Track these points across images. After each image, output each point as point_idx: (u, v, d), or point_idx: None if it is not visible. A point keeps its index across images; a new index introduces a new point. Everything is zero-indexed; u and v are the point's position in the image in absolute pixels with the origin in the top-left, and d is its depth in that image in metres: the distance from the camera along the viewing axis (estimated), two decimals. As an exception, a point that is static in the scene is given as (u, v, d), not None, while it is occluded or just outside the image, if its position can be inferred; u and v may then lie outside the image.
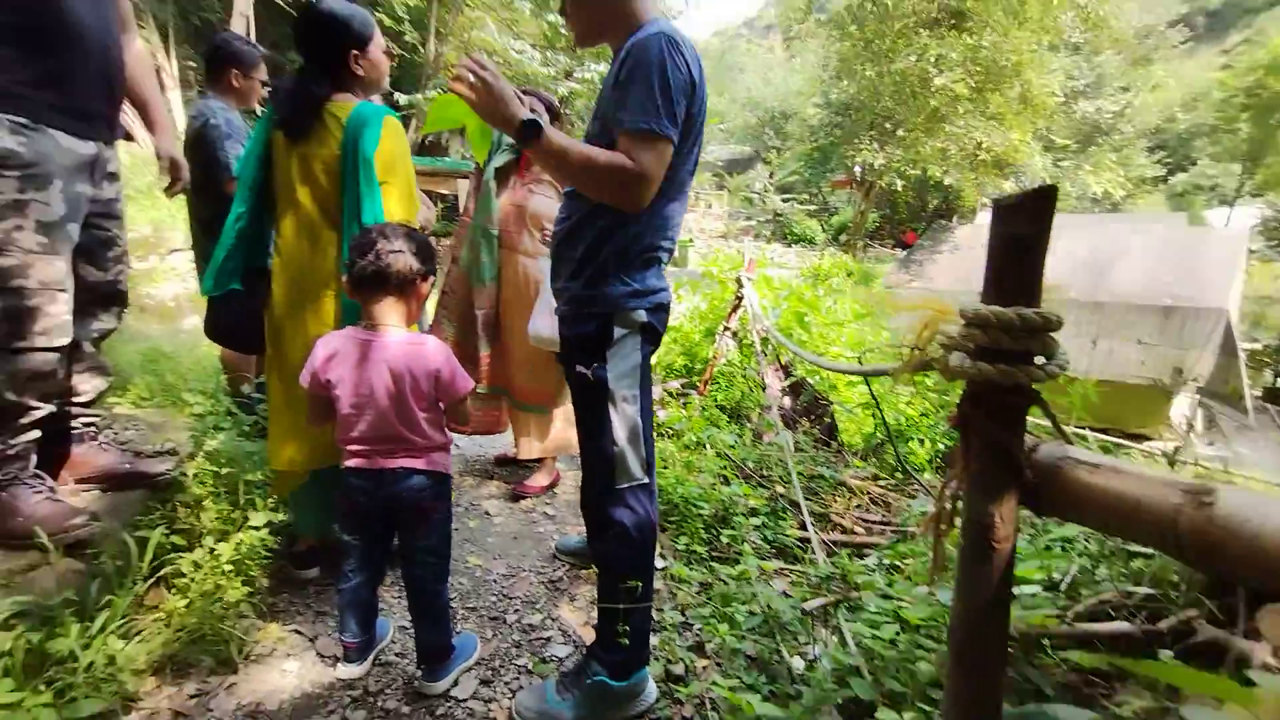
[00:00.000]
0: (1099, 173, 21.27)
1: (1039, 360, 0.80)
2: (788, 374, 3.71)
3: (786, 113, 26.81)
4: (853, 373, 1.56)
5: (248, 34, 8.85)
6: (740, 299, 3.44)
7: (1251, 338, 10.61)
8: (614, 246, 1.38)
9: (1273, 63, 18.35)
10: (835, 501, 2.65)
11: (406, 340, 1.49)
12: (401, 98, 11.77)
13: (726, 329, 3.50)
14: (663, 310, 1.48)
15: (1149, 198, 28.30)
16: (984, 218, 13.68)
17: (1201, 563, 0.65)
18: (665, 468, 2.53)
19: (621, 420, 1.43)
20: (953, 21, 12.16)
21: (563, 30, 10.45)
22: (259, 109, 2.65)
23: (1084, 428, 5.39)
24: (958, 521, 0.88)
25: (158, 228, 6.51)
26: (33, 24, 1.41)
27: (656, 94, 1.23)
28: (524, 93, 2.36)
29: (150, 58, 2.09)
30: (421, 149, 14.06)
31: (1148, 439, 6.67)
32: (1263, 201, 20.58)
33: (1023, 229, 0.78)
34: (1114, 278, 7.29)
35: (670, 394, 3.46)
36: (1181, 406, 6.74)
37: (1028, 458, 0.84)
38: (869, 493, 2.70)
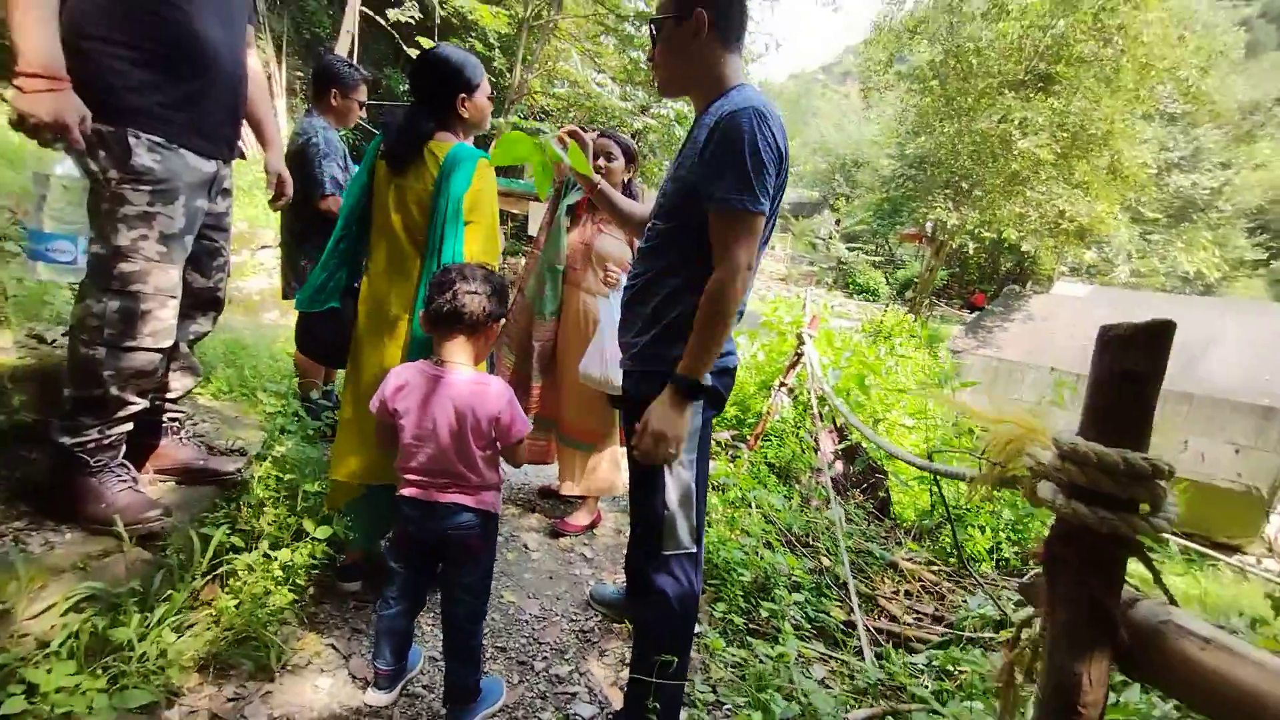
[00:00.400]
0: (1192, 251, 20.13)
1: (1144, 508, 0.74)
2: (843, 437, 3.60)
3: (859, 161, 26.66)
4: (920, 467, 1.49)
5: (351, 51, 9.51)
6: (800, 355, 3.38)
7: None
8: (684, 307, 1.38)
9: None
10: (884, 584, 2.52)
11: (473, 380, 1.53)
12: (489, 121, 12.31)
13: (783, 384, 3.44)
14: (728, 374, 1.47)
15: (1248, 282, 26.36)
16: (1061, 287, 13.03)
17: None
18: (709, 526, 2.48)
19: (675, 484, 1.41)
20: (1040, 85, 11.87)
21: (643, 65, 10.75)
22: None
23: (1169, 532, 4.98)
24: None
25: (251, 224, 6.97)
26: (173, 49, 1.53)
27: (749, 172, 1.25)
28: (603, 135, 2.44)
29: (263, 71, 2.26)
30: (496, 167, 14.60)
31: (1239, 550, 6.13)
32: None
33: (1136, 364, 0.73)
34: (1206, 368, 6.80)
35: (719, 445, 3.41)
36: (1279, 517, 6.17)
37: (1124, 615, 0.77)
38: (921, 579, 2.56)
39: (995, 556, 2.90)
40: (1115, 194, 11.67)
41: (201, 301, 1.86)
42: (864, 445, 3.57)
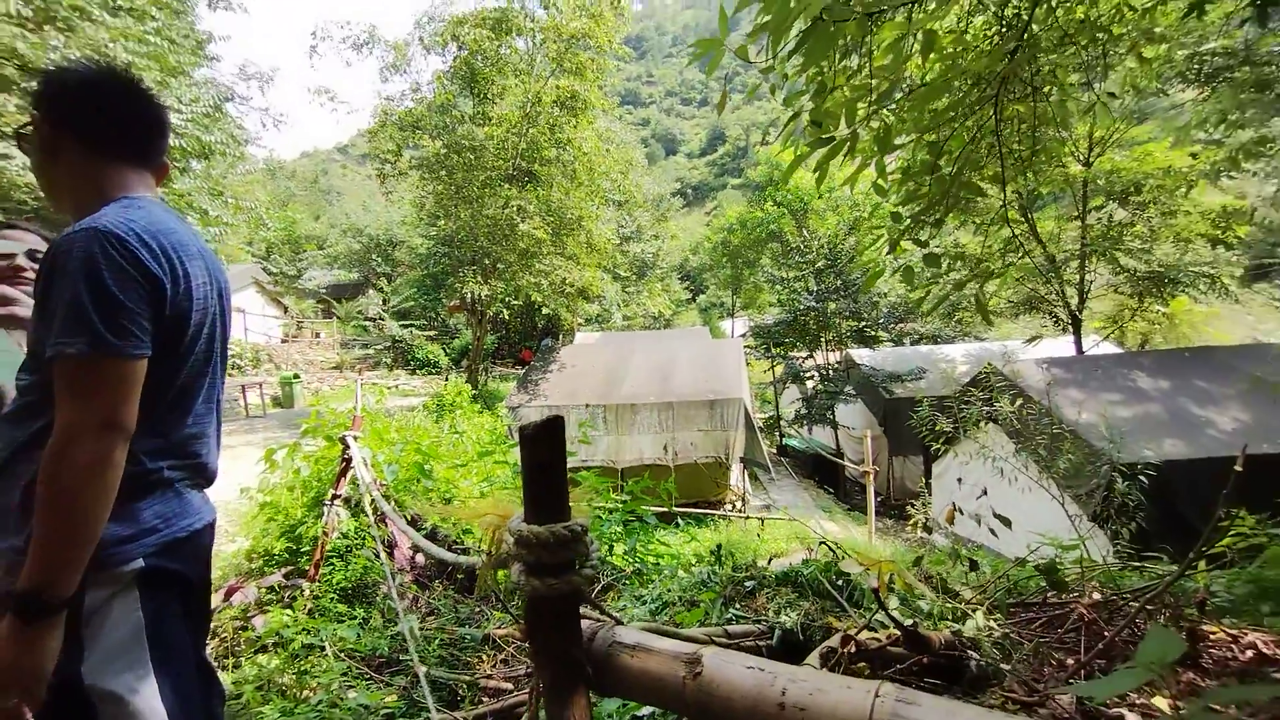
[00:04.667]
0: (653, 297, 27.78)
1: (578, 564, 0.94)
2: (418, 528, 3.49)
3: (393, 240, 27.07)
4: (451, 562, 1.56)
5: None
6: (348, 460, 3.14)
7: (759, 413, 14.95)
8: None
9: (729, 225, 27.71)
10: (483, 662, 2.54)
11: None
12: None
13: (336, 497, 3.12)
14: (187, 544, 1.18)
15: (687, 313, 38.42)
16: (580, 336, 16.20)
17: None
18: (267, 700, 2.02)
19: None
20: (527, 179, 14.51)
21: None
22: None
23: (681, 505, 6.66)
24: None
25: None
26: None
27: (89, 306, 1.01)
28: (7, 228, 1.74)
29: None
30: None
31: (723, 502, 8.60)
32: (746, 315, 30.08)
33: (544, 457, 0.91)
34: (675, 381, 9.42)
35: (273, 590, 2.84)
36: (735, 473, 8.96)
37: (588, 646, 0.95)
38: (513, 640, 2.68)
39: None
40: (595, 262, 15.11)
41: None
42: (439, 528, 3.56)
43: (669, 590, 2.37)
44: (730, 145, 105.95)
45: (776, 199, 25.91)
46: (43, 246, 1.73)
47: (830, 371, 13.64)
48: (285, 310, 26.16)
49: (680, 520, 6.51)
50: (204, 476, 1.28)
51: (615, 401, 9.06)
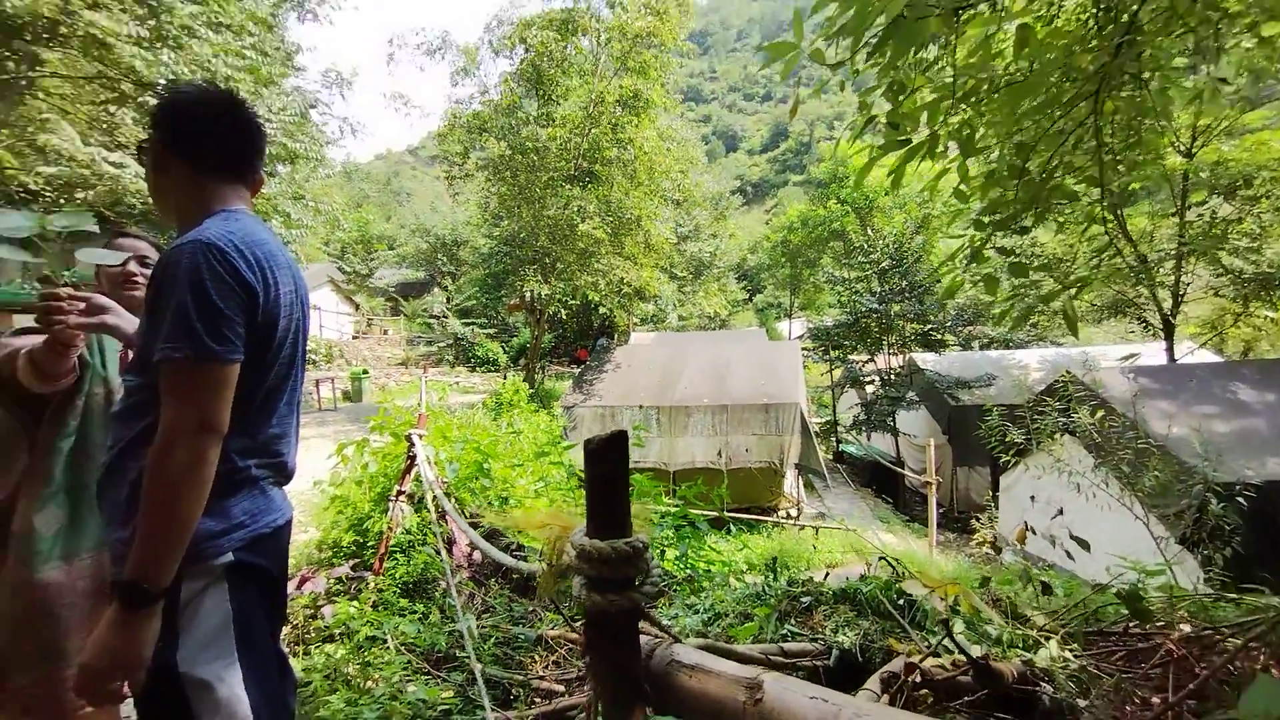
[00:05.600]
0: (709, 297, 27.56)
1: (638, 580, 0.94)
2: (476, 525, 3.60)
3: (458, 240, 27.99)
4: (510, 566, 1.59)
5: None
6: (413, 458, 3.27)
7: (816, 418, 14.59)
8: None
9: (790, 224, 27.10)
10: (535, 663, 2.59)
11: None
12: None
13: (400, 493, 3.25)
14: (268, 540, 1.25)
15: (743, 314, 37.97)
16: (635, 337, 16.29)
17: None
18: (334, 690, 2.13)
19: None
20: (588, 179, 14.69)
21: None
22: None
23: (733, 510, 6.60)
24: None
25: None
26: None
27: (192, 314, 1.09)
28: (121, 235, 1.91)
29: None
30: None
31: (776, 509, 8.45)
32: (804, 316, 29.41)
33: (608, 471, 0.92)
34: (730, 384, 9.32)
35: (340, 581, 2.99)
36: (789, 479, 8.79)
37: (646, 663, 0.95)
38: (566, 642, 2.72)
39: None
40: (653, 261, 15.14)
41: None
42: (497, 527, 3.65)
43: (721, 601, 2.34)
44: (793, 141, 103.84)
45: (840, 196, 25.23)
46: (150, 252, 1.89)
47: (892, 376, 13.16)
48: (357, 307, 27.54)
49: (732, 526, 6.44)
50: (284, 474, 1.36)
51: (669, 403, 9.05)
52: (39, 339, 1.52)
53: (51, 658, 1.60)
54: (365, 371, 16.69)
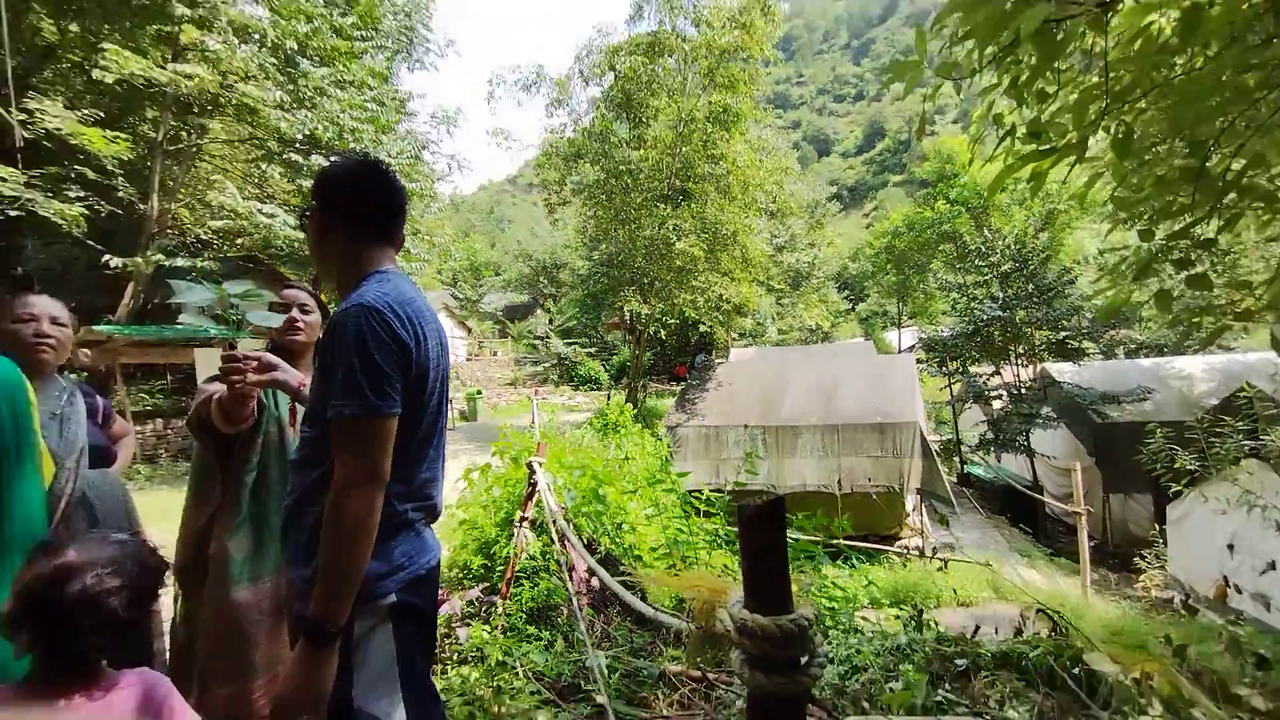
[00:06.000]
0: (809, 309, 26.70)
1: (804, 659, 0.87)
2: (593, 551, 3.64)
3: (558, 264, 29.18)
4: (650, 618, 1.56)
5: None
6: (534, 485, 3.38)
7: (935, 436, 13.57)
8: None
9: (895, 229, 25.68)
10: (657, 700, 2.55)
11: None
12: (114, 260, 10.12)
13: (524, 519, 3.37)
14: (421, 583, 1.31)
15: (846, 324, 36.33)
16: (735, 353, 16.08)
17: None
18: (471, 716, 2.20)
19: None
20: (681, 198, 14.78)
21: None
22: None
23: (849, 538, 6.24)
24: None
25: None
26: None
27: (358, 373, 1.18)
28: (287, 288, 2.15)
29: None
30: (142, 314, 12.01)
31: (897, 537, 7.92)
32: (914, 325, 27.66)
33: (766, 540, 0.86)
34: (838, 403, 8.89)
35: (472, 604, 3.13)
36: (910, 505, 8.21)
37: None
38: (688, 680, 2.66)
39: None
40: (751, 275, 14.92)
41: None
42: (611, 552, 3.67)
43: (857, 652, 2.18)
44: (890, 140, 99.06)
45: (949, 196, 23.63)
46: (309, 301, 2.10)
47: (1022, 390, 11.97)
48: (469, 331, 29.38)
49: (853, 558, 6.08)
50: (434, 515, 1.43)
51: (775, 423, 8.78)
52: (224, 387, 1.72)
53: (245, 671, 1.78)
54: (479, 392, 17.69)
